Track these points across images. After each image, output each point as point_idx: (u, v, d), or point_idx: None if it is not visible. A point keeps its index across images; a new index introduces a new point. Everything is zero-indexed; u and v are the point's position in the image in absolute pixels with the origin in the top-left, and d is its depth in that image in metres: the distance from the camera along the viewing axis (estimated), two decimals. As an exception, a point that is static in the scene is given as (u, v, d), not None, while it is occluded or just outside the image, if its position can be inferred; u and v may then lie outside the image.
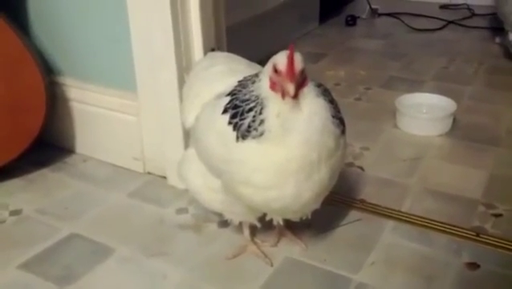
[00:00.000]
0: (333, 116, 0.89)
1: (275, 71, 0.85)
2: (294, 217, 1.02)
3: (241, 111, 0.89)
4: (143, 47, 1.29)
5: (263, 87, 0.88)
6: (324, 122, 0.87)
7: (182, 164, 1.10)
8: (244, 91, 0.91)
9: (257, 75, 0.92)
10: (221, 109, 0.92)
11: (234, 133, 0.89)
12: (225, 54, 1.23)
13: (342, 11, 2.91)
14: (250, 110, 0.87)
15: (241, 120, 0.88)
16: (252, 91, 0.89)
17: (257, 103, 0.87)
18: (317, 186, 0.90)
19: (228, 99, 0.92)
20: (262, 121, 0.86)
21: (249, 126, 0.87)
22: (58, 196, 1.35)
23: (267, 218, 1.04)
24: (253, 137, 0.87)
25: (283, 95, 0.85)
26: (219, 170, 0.95)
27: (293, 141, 0.85)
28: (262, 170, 0.88)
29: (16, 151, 1.39)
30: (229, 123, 0.89)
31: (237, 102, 0.90)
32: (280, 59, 0.85)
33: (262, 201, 0.92)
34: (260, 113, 0.86)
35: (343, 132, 0.93)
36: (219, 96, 0.97)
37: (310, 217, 1.02)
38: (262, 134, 0.86)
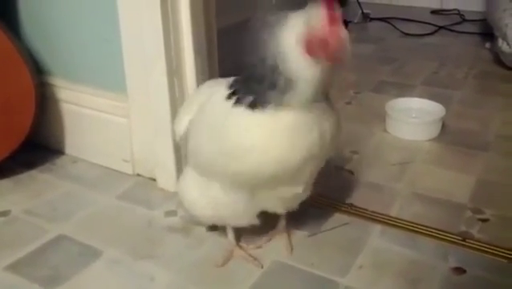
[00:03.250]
0: None
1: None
2: (291, 195, 1.01)
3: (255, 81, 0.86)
4: (133, 49, 1.29)
5: (292, 60, 0.81)
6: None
7: (179, 182, 1.11)
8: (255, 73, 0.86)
9: (262, 60, 0.84)
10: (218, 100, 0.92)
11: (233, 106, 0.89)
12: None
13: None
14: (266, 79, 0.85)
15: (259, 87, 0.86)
16: (268, 68, 0.83)
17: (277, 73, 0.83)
18: (308, 146, 0.90)
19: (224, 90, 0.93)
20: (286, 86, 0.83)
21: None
22: (46, 197, 1.35)
23: (269, 209, 1.05)
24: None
25: (329, 55, 0.78)
26: (211, 163, 0.95)
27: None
28: (251, 130, 0.88)
29: (5, 152, 1.38)
30: (233, 99, 0.90)
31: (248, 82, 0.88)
32: (314, 16, 0.78)
33: (255, 168, 0.90)
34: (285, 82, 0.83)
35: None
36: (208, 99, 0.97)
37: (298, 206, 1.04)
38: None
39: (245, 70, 0.89)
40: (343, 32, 0.77)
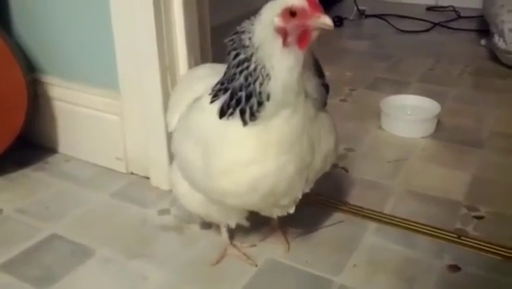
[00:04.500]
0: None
1: (291, 14, 0.76)
2: (287, 205, 0.98)
3: (240, 96, 0.83)
4: (126, 46, 1.28)
5: (267, 53, 0.80)
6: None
7: (170, 172, 1.10)
8: (239, 82, 0.83)
9: (246, 59, 0.82)
10: (205, 108, 0.90)
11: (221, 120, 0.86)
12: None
13: (329, 12, 2.89)
14: (250, 95, 0.82)
15: (246, 102, 0.83)
16: (250, 73, 0.81)
17: (260, 78, 0.81)
18: (300, 153, 0.89)
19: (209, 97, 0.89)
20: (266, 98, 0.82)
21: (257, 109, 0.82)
22: (39, 196, 1.34)
23: (263, 213, 1.03)
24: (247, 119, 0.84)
25: (305, 41, 0.76)
26: (199, 176, 0.93)
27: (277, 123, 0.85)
28: (242, 145, 0.86)
29: (-3, 150, 1.37)
30: (225, 113, 0.86)
31: (234, 94, 0.84)
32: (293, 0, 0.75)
33: (248, 185, 0.88)
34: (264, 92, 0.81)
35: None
36: (197, 100, 0.95)
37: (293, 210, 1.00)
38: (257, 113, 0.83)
39: (227, 79, 0.86)
40: (326, 18, 0.75)
